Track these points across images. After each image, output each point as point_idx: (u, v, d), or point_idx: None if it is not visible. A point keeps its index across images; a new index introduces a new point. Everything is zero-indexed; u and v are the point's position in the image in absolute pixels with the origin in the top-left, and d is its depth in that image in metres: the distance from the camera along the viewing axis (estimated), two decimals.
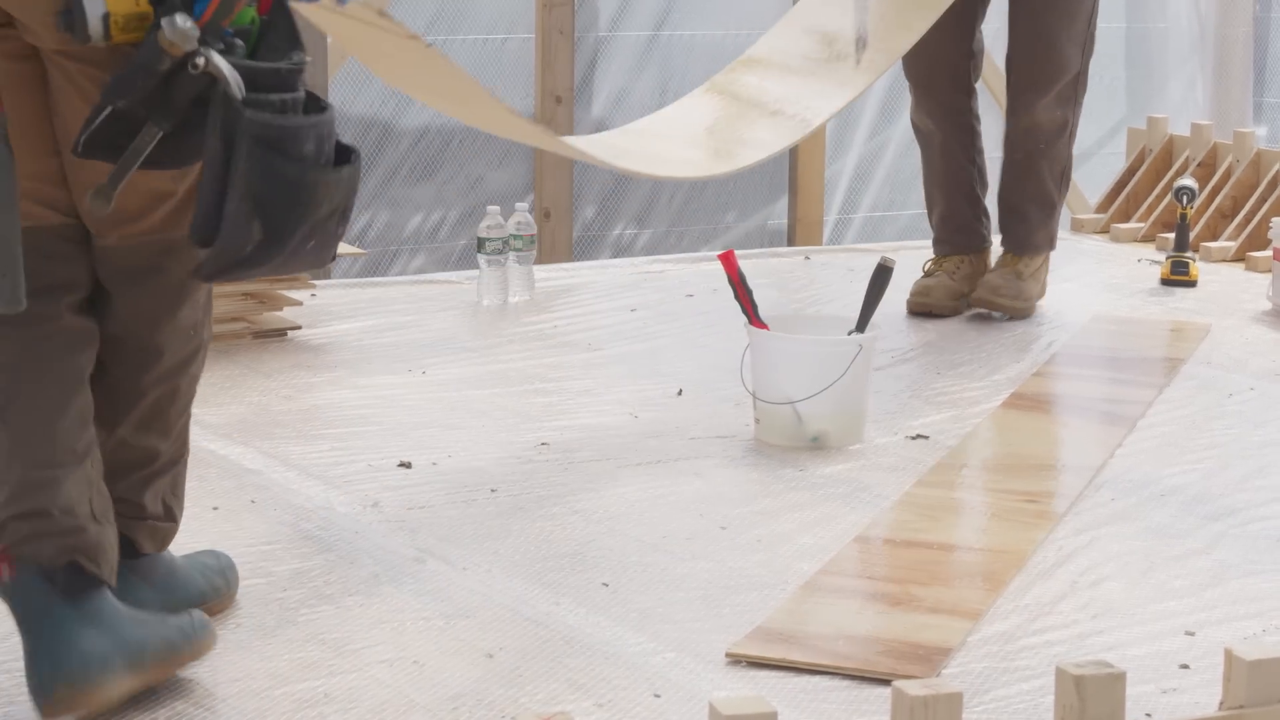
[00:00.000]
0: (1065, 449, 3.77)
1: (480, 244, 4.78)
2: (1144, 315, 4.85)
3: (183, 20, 2.25)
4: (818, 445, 3.65)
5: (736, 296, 3.71)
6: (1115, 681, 2.21)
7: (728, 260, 3.72)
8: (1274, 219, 5.03)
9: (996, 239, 4.89)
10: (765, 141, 4.19)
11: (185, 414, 2.65)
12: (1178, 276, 5.18)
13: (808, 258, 5.54)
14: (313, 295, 4.71)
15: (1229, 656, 2.33)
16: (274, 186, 2.30)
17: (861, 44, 4.23)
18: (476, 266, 4.83)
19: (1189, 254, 5.20)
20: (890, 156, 6.96)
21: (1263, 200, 5.57)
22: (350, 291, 4.91)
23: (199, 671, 2.58)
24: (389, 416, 3.84)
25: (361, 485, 3.42)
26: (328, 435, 3.70)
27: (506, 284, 4.81)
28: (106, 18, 2.27)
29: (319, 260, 2.44)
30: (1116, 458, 3.66)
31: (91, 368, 2.51)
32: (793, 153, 6.35)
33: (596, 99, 6.67)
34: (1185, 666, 2.70)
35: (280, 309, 4.45)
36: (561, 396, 4.02)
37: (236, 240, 2.31)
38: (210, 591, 2.75)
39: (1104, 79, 7.86)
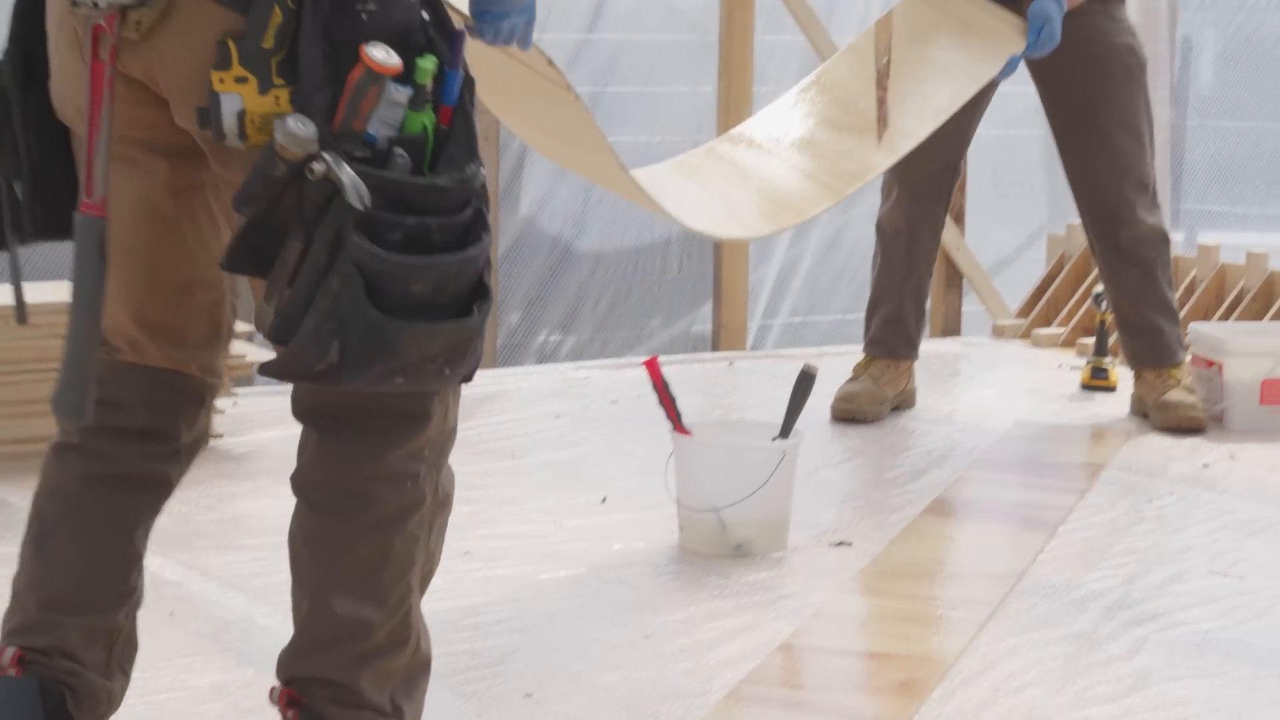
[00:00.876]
0: (987, 555, 3.79)
1: None
2: (1065, 420, 4.89)
3: (295, 122, 2.10)
4: (741, 553, 3.65)
5: (660, 403, 3.72)
6: None
7: (651, 367, 3.74)
8: (1192, 324, 5.09)
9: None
10: (802, 206, 4.09)
11: (404, 583, 2.33)
12: (1097, 382, 5.23)
13: (731, 364, 5.56)
14: (234, 404, 4.68)
15: None
16: (356, 321, 2.13)
17: (882, 122, 4.14)
18: None
19: (1108, 359, 5.25)
20: (808, 263, 7.01)
21: (1180, 306, 5.63)
22: (272, 399, 4.87)
23: None
24: None
25: (283, 596, 3.34)
26: (249, 545, 3.67)
27: None
28: (242, 115, 2.13)
29: (416, 397, 2.28)
30: (1038, 563, 3.67)
31: (153, 519, 2.41)
32: (716, 258, 6.38)
33: (523, 201, 6.69)
34: None
35: None
36: (485, 505, 4.01)
37: (309, 356, 2.15)
38: None
39: (1024, 185, 7.95)
